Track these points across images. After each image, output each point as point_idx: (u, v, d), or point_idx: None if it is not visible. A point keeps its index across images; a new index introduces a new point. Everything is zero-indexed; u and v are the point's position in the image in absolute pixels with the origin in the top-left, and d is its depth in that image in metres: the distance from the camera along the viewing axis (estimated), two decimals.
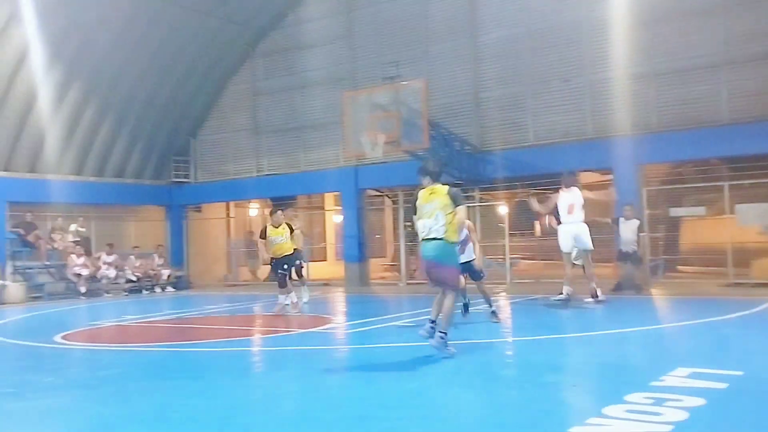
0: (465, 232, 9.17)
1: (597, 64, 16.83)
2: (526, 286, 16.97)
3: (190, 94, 22.66)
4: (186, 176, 23.66)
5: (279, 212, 12.68)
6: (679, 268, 19.10)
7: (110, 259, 19.82)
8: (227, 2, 20.21)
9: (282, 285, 12.33)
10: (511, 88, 18.05)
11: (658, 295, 13.91)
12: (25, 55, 17.95)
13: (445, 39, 18.99)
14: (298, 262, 13.95)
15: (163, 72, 21.37)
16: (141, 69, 20.76)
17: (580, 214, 11.68)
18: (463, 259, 9.01)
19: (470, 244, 9.69)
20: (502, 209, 19.90)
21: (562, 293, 12.02)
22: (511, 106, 18.06)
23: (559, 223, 11.95)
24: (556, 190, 12.44)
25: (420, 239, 7.17)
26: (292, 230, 12.57)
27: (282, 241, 12.27)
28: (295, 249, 13.67)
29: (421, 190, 7.19)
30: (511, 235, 19.45)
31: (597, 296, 11.89)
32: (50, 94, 19.01)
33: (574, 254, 12.10)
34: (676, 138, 15.63)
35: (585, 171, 18.85)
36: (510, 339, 9.07)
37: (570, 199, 11.78)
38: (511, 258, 18.73)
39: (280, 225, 12.37)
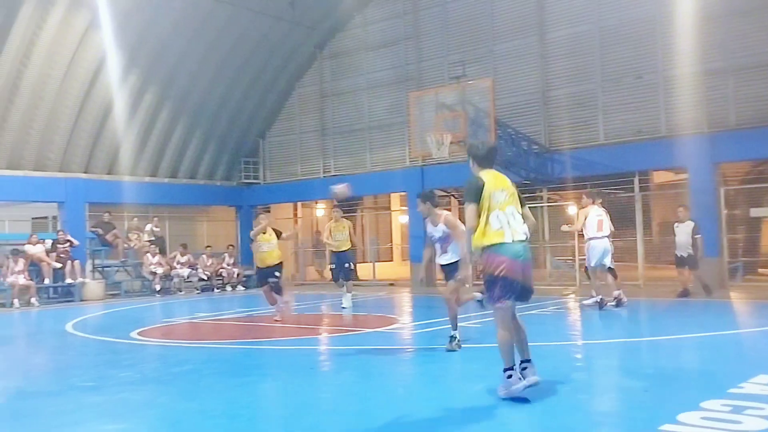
0: (442, 227, 7.96)
1: (671, 60, 16.30)
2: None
3: (259, 96, 23.12)
4: (255, 177, 24.16)
5: (262, 216, 12.11)
6: (761, 270, 18.32)
7: (184, 259, 20.41)
8: (296, 5, 20.52)
9: (272, 299, 11.54)
10: (581, 86, 17.68)
11: (736, 299, 13.36)
12: (102, 62, 18.68)
13: (512, 37, 18.76)
14: (347, 264, 13.85)
15: (234, 76, 21.86)
16: (213, 73, 21.30)
17: (608, 230, 12.04)
18: (445, 260, 8.05)
19: (454, 243, 7.99)
20: (571, 210, 19.52)
21: (613, 298, 12.02)
22: (581, 104, 17.69)
23: (589, 238, 12.10)
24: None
25: (507, 239, 5.30)
26: (279, 235, 11.75)
27: (269, 248, 11.47)
28: (348, 248, 13.63)
29: (485, 173, 5.55)
30: (580, 236, 19.02)
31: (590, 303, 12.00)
32: (127, 99, 19.72)
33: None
34: (757, 135, 14.98)
35: (658, 170, 18.33)
36: (579, 342, 8.88)
37: (599, 215, 12.07)
38: (580, 259, 18.33)
39: (265, 231, 11.57)
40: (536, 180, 17.60)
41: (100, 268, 19.81)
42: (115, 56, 18.62)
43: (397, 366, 7.60)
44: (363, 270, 21.95)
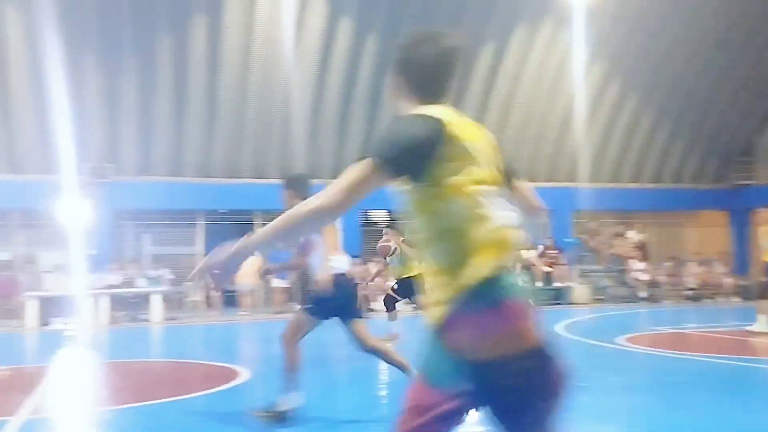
0: None
1: None
2: None
3: (753, 91, 21.12)
4: (750, 178, 22.05)
5: (386, 230, 10.68)
6: None
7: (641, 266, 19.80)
8: None
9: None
10: None
11: None
12: (583, 75, 19.42)
13: None
14: None
15: (722, 72, 20.46)
16: (697, 71, 20.36)
17: None
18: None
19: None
20: None
21: None
22: None
23: None
24: None
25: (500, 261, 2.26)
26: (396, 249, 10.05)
27: (396, 263, 10.18)
28: None
29: (435, 109, 2.17)
30: None
31: None
32: (607, 108, 20.17)
33: None
34: None
35: None
36: None
37: None
38: None
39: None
40: None
41: (586, 273, 20.50)
42: (597, 69, 19.20)
43: None
44: None
